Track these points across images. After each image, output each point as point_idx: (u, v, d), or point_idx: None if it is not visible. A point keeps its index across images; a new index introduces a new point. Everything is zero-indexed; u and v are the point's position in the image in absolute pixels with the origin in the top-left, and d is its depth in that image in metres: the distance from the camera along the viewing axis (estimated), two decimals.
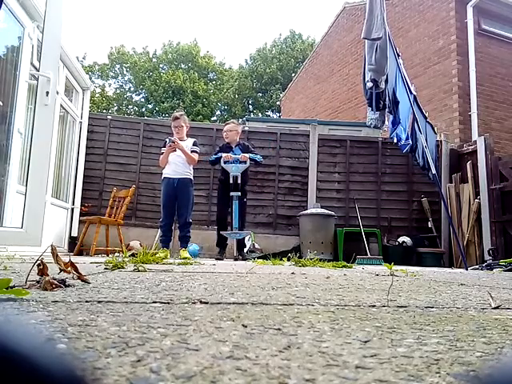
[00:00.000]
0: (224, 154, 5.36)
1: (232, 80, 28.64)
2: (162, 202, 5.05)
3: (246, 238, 6.05)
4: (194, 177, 5.14)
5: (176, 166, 4.94)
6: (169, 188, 4.93)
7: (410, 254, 6.81)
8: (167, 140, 4.99)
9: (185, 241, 4.96)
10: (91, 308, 0.85)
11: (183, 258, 4.22)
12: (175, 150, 4.91)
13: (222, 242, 5.50)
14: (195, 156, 5.02)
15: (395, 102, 5.25)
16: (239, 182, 5.26)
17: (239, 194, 5.27)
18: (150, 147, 7.17)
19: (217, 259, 5.25)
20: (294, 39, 28.66)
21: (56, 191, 5.89)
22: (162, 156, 5.02)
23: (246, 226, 5.84)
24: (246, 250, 6.09)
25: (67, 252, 5.99)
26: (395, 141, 5.76)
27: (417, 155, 5.77)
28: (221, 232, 5.40)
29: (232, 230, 5.28)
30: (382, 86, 5.03)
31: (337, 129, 8.63)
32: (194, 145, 5.10)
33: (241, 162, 5.34)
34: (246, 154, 5.36)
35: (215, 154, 5.55)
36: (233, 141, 5.55)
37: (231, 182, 5.27)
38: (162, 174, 5.13)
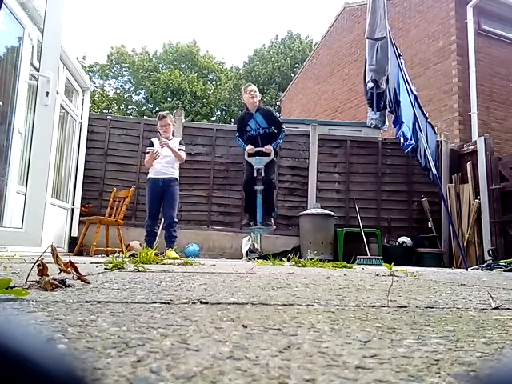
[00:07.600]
0: (248, 147, 5.26)
1: (230, 80, 28.62)
2: (147, 201, 5.05)
3: (246, 239, 6.04)
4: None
5: (161, 166, 4.99)
6: (154, 187, 4.95)
7: (409, 255, 6.81)
8: (152, 141, 5.13)
9: (171, 241, 4.92)
10: (91, 308, 0.85)
11: (171, 258, 4.17)
12: (159, 156, 4.99)
13: (250, 208, 5.37)
14: (183, 154, 5.13)
15: (396, 102, 5.24)
16: (263, 175, 5.17)
17: (263, 187, 5.18)
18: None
19: (243, 226, 5.41)
20: (292, 39, 28.64)
21: (56, 191, 5.89)
22: (147, 159, 5.09)
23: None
24: (245, 250, 6.08)
25: (67, 252, 5.99)
26: (402, 141, 5.72)
27: (418, 155, 5.75)
28: (244, 228, 5.43)
29: (256, 224, 5.22)
30: (383, 86, 5.03)
31: (337, 129, 8.63)
32: (180, 144, 5.22)
33: (265, 154, 5.18)
34: (269, 146, 5.21)
35: (239, 136, 5.42)
36: (251, 104, 5.30)
37: (255, 175, 5.20)
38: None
